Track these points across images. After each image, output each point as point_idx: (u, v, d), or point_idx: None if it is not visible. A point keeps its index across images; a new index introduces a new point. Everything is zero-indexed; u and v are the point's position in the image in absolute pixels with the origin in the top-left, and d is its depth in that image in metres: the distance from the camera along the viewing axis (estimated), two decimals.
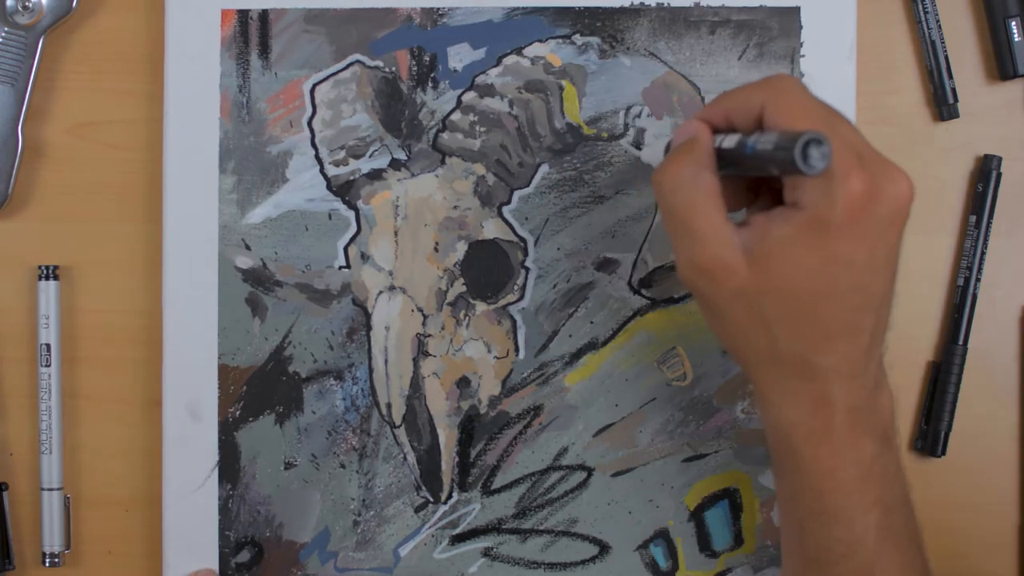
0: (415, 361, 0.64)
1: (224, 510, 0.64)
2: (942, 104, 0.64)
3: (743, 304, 0.49)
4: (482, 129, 0.64)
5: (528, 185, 0.64)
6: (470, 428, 0.64)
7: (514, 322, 0.64)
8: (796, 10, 0.63)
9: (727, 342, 0.52)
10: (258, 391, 0.64)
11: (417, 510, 0.64)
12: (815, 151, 0.44)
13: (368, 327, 0.64)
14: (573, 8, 0.63)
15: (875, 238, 0.47)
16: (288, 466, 0.64)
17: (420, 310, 0.64)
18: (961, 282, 0.64)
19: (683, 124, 0.53)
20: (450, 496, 0.64)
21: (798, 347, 0.49)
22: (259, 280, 0.64)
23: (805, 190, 0.47)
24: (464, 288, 0.64)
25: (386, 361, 0.64)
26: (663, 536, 0.64)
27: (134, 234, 0.66)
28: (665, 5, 0.63)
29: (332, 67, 0.64)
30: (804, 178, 0.47)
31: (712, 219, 0.49)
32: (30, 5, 0.64)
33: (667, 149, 0.55)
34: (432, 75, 0.64)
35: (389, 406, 0.64)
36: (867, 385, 0.50)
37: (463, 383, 0.64)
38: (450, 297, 0.64)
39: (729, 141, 0.50)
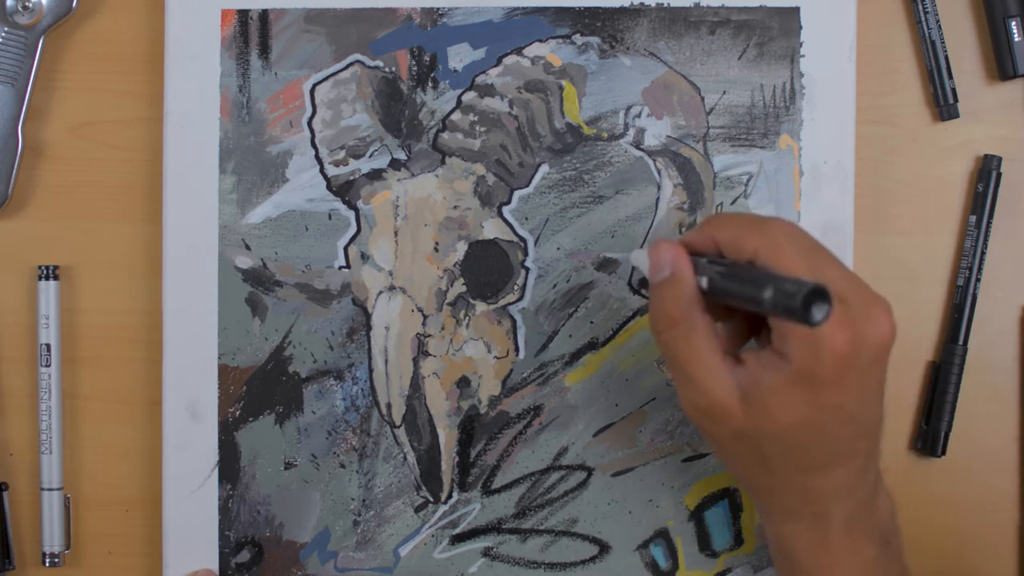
0: (415, 361, 0.64)
1: (224, 510, 0.64)
2: (942, 104, 0.64)
3: (742, 443, 0.50)
4: (482, 129, 0.64)
5: (528, 185, 0.64)
6: (470, 428, 0.64)
7: (514, 322, 0.64)
8: (796, 10, 0.63)
9: (730, 469, 0.54)
10: (258, 391, 0.64)
11: (417, 510, 0.64)
12: (817, 309, 0.43)
13: (368, 327, 0.64)
14: (573, 8, 0.63)
15: (862, 381, 0.48)
16: (288, 466, 0.64)
17: (420, 310, 0.64)
18: (961, 282, 0.64)
19: (660, 246, 0.51)
20: (450, 496, 0.64)
21: (796, 477, 0.50)
22: (259, 280, 0.64)
23: (792, 342, 0.48)
24: (464, 288, 0.64)
25: (386, 361, 0.64)
26: (663, 536, 0.64)
27: (134, 234, 0.66)
28: (665, 5, 0.63)
29: (332, 67, 0.64)
30: (791, 328, 0.47)
31: (708, 363, 0.49)
32: (30, 5, 0.64)
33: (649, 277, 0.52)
34: (432, 75, 0.64)
35: (389, 406, 0.64)
36: (864, 497, 0.51)
37: (463, 383, 0.64)
38: (450, 297, 0.64)
39: (721, 275, 0.49)
